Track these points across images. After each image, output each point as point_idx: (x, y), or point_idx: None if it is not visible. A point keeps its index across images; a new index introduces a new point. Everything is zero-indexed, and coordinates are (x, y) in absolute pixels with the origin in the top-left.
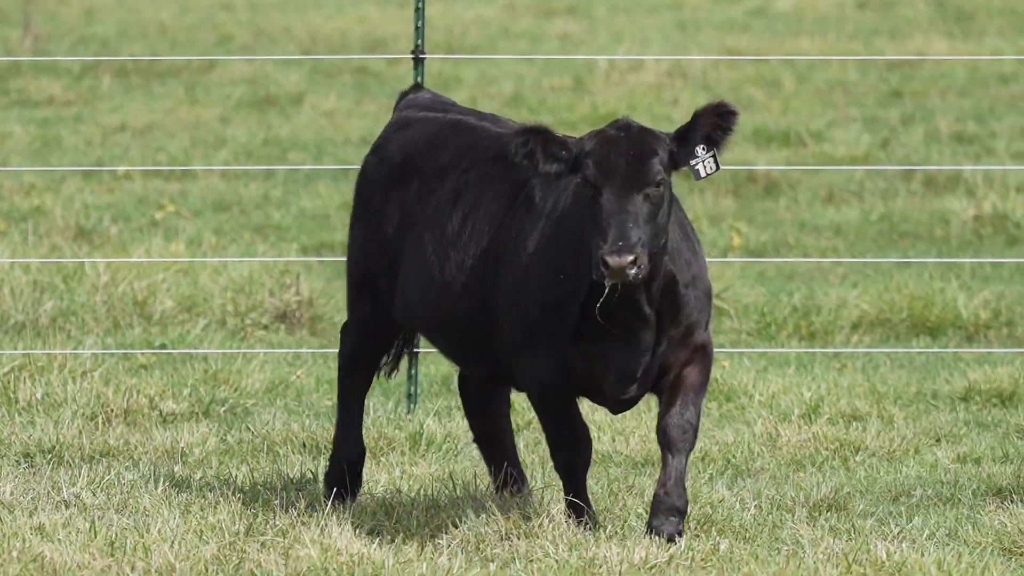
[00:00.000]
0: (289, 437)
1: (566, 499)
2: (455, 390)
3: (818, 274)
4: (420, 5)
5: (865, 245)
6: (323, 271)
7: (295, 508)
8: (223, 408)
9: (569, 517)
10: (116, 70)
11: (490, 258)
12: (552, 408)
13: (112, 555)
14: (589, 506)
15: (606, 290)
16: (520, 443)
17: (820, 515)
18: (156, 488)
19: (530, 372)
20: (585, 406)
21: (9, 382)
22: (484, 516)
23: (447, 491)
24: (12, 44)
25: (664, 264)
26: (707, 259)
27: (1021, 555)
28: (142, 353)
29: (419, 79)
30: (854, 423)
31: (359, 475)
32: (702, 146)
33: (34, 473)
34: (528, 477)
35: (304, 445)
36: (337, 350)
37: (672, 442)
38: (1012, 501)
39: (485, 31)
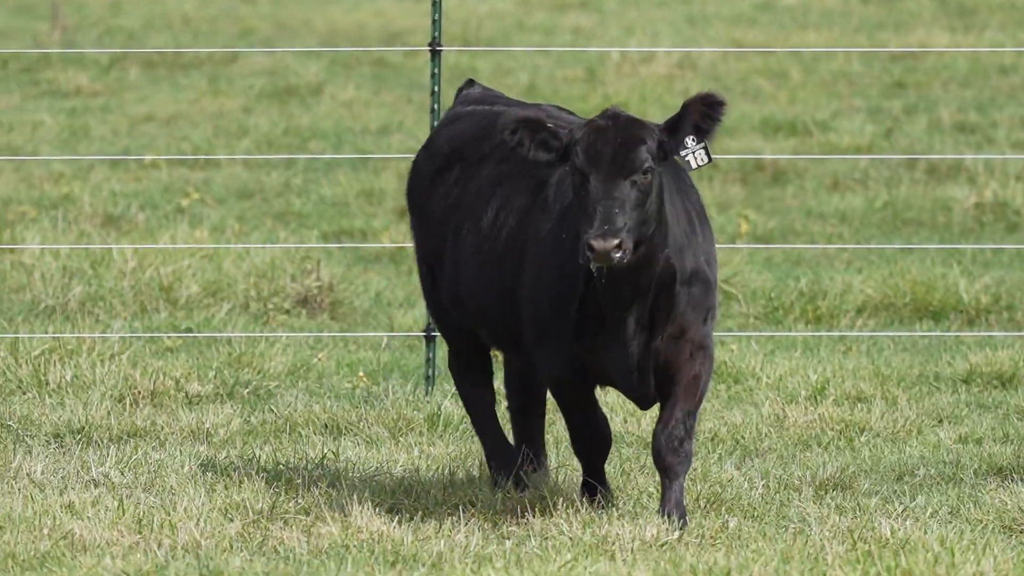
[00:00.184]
0: (311, 418)
1: (584, 480)
2: None
3: (824, 260)
4: None
5: (869, 232)
6: (343, 257)
7: (317, 487)
8: (247, 390)
9: (584, 497)
10: (142, 62)
11: (516, 252)
12: (567, 400)
13: (139, 532)
14: (606, 487)
15: (594, 275)
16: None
17: (826, 494)
18: (182, 467)
19: (543, 365)
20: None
21: (40, 365)
22: (500, 494)
23: (464, 470)
24: (41, 36)
25: (664, 257)
26: (716, 246)
27: (1021, 532)
28: (168, 337)
29: (436, 71)
30: (859, 404)
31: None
32: (692, 137)
33: (64, 453)
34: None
35: (325, 426)
36: (357, 333)
37: (668, 468)
38: (1012, 480)
39: (500, 24)
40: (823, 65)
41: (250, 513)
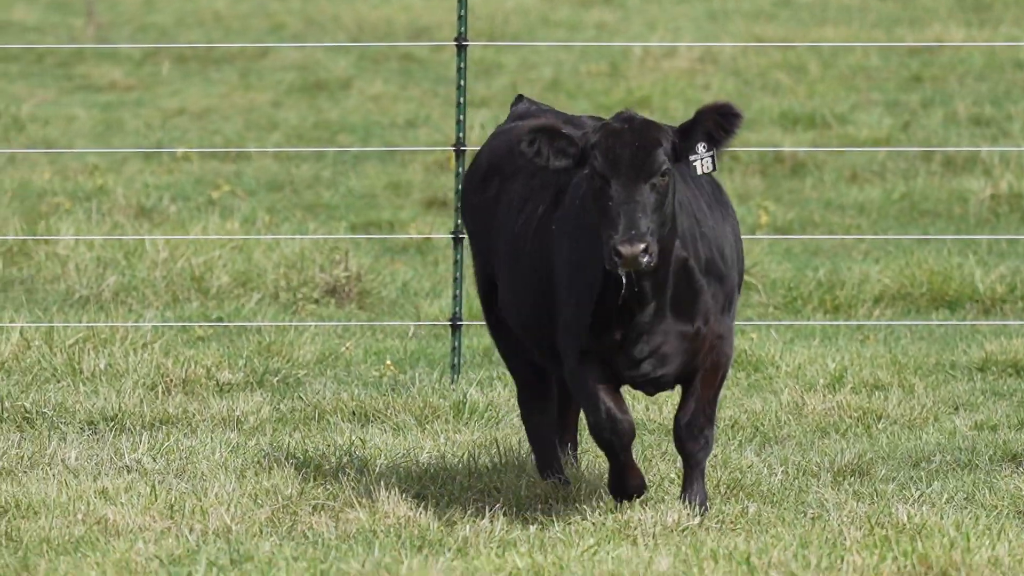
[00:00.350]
0: (339, 406)
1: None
2: (496, 361)
3: (842, 250)
4: None
5: (887, 223)
6: (371, 248)
7: (345, 473)
8: (276, 378)
9: (612, 493)
10: (175, 57)
11: (545, 262)
12: (585, 387)
13: (171, 517)
14: (631, 476)
15: (623, 280)
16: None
17: (844, 480)
18: (213, 454)
19: (563, 354)
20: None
21: (74, 353)
22: (525, 480)
23: (489, 457)
24: (76, 32)
25: (675, 250)
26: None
27: None
28: (199, 326)
29: (461, 65)
30: (876, 392)
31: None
32: (703, 144)
33: (98, 440)
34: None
35: (353, 413)
36: (384, 322)
37: (689, 455)
38: None
39: (525, 19)
40: (841, 59)
41: (279, 499)
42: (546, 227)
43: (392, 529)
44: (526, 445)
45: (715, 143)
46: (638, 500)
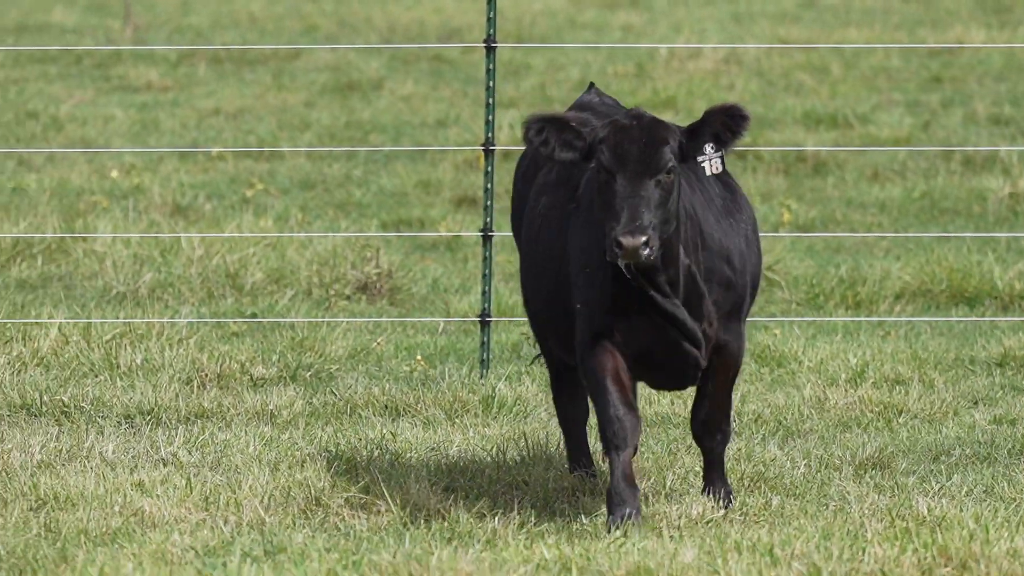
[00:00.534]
0: (370, 400)
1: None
2: (525, 356)
3: (863, 248)
4: None
5: (907, 221)
6: (401, 245)
7: (376, 466)
8: (309, 373)
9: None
10: (210, 58)
11: (561, 252)
12: (595, 375)
13: (206, 509)
14: (634, 489)
15: (623, 272)
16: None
17: (865, 473)
18: (247, 447)
19: (578, 341)
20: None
21: (111, 349)
22: (552, 474)
23: (518, 451)
24: (114, 34)
25: (680, 256)
26: (760, 234)
27: None
28: (234, 322)
29: (491, 66)
30: (897, 387)
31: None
32: (711, 145)
33: (134, 433)
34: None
35: (384, 408)
36: (415, 318)
37: (708, 451)
38: None
39: (553, 21)
40: (863, 61)
41: (312, 491)
42: (560, 217)
43: (422, 521)
44: (554, 439)
45: (722, 144)
46: (630, 522)
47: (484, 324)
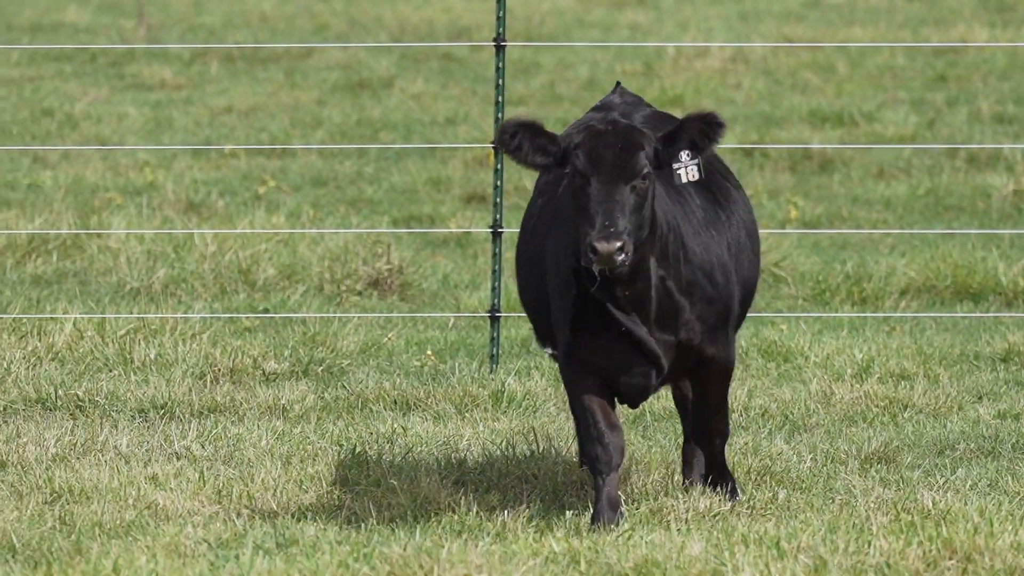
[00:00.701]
0: (381, 395)
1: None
2: (534, 351)
3: (869, 244)
4: None
5: (912, 218)
6: (412, 241)
7: (387, 460)
8: (321, 368)
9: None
10: (223, 56)
11: (537, 249)
12: (574, 395)
13: (219, 502)
14: (618, 514)
15: (597, 278)
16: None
17: (871, 467)
18: (260, 441)
19: (559, 365)
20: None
21: (125, 343)
22: (561, 467)
23: (527, 445)
24: (127, 33)
25: (654, 269)
26: (766, 230)
27: None
28: (246, 317)
29: (500, 65)
30: (902, 382)
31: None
32: (687, 152)
33: (148, 427)
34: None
35: (395, 402)
36: (425, 313)
37: (707, 452)
38: None
39: (561, 20)
40: (869, 59)
41: (324, 484)
42: (544, 222)
43: (433, 514)
44: (563, 433)
45: (699, 151)
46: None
47: (494, 319)
